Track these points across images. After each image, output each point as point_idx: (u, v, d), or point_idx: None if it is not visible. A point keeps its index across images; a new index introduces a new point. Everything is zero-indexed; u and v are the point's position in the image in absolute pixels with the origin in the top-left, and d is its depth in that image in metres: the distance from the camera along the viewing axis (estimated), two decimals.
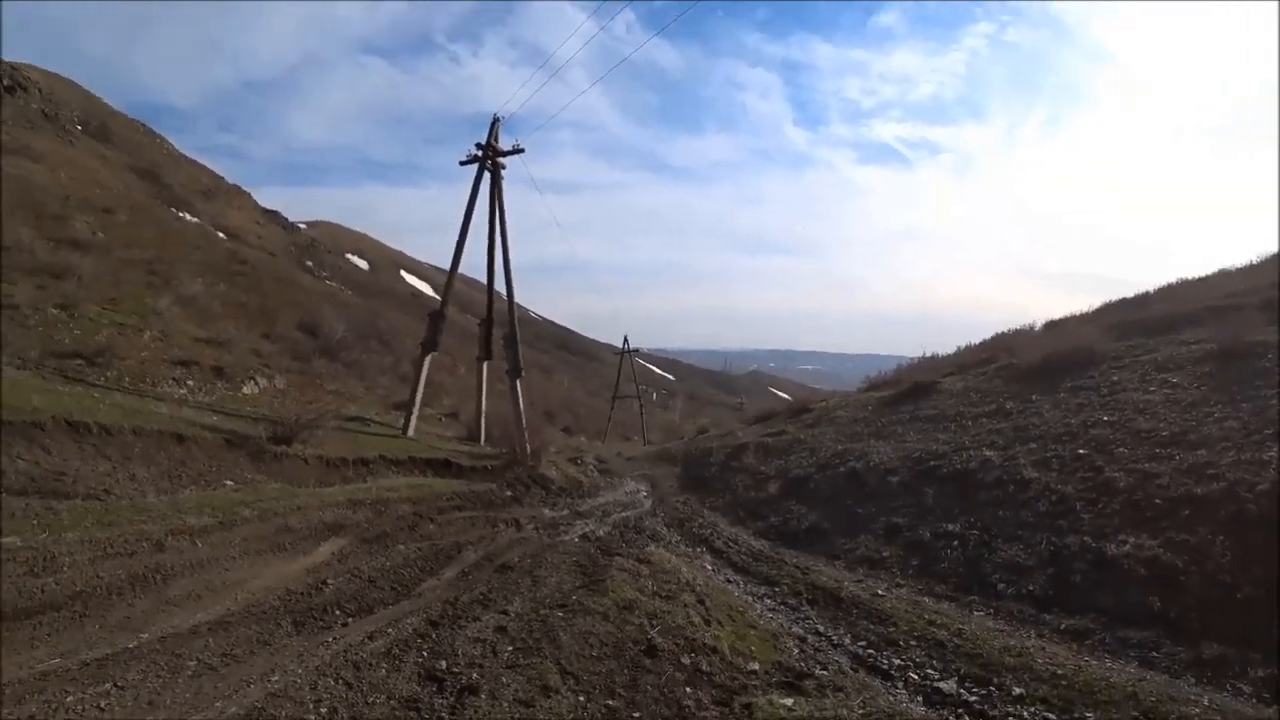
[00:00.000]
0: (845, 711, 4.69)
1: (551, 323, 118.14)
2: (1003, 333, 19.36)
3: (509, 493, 13.93)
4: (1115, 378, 11.59)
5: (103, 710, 3.73)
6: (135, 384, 13.70)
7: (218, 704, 3.88)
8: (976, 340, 19.87)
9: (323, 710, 3.97)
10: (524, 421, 18.18)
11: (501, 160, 19.83)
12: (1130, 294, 18.12)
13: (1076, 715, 4.82)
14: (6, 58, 52.28)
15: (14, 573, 5.36)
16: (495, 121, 19.83)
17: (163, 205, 47.03)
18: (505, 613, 6.02)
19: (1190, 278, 18.07)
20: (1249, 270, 16.03)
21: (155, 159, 59.11)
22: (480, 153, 19.67)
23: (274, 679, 4.25)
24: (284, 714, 3.86)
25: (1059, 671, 5.45)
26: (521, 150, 19.89)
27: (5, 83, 49.58)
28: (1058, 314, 18.89)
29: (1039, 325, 18.58)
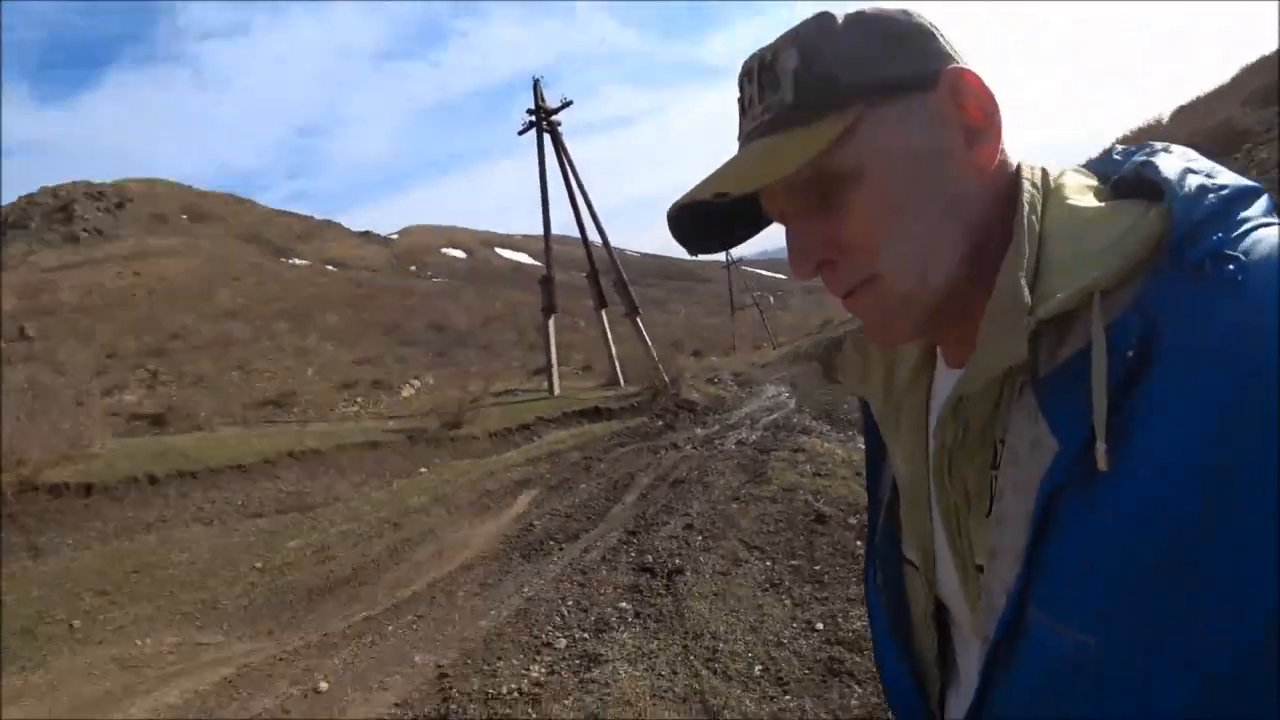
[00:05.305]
0: None
1: (651, 255, 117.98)
2: None
3: (660, 422, 14.81)
4: None
5: (416, 630, 4.89)
6: (319, 413, 15.75)
7: (492, 611, 4.96)
8: None
9: (569, 602, 4.96)
10: (655, 355, 18.91)
11: (555, 119, 20.27)
12: None
13: None
14: (104, 179, 58.49)
15: (309, 562, 6.83)
16: (536, 83, 20.21)
17: (273, 258, 51.51)
18: (688, 514, 6.85)
19: None
20: None
21: (251, 221, 64.48)
22: (533, 118, 20.20)
23: (525, 590, 5.30)
24: (543, 609, 4.89)
25: None
26: (570, 103, 20.27)
27: (116, 201, 55.70)
28: None
29: None
